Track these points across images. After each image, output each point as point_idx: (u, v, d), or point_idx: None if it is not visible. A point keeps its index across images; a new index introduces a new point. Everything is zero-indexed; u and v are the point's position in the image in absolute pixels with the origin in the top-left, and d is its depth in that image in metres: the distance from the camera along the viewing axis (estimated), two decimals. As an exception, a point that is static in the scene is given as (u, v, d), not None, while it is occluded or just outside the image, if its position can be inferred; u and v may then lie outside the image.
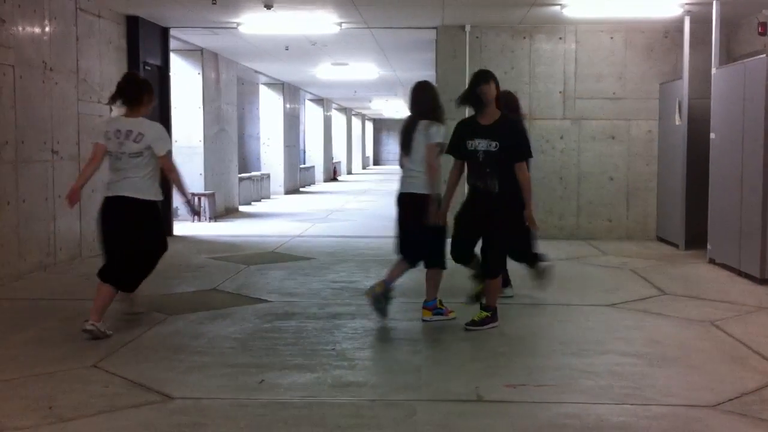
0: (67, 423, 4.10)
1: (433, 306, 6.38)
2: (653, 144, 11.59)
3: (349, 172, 36.64)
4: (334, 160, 31.72)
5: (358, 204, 18.59)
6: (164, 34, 12.04)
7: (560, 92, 11.67)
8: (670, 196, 10.94)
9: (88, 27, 9.71)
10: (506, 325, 6.31)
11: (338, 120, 34.18)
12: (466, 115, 6.49)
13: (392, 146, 51.65)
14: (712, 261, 9.27)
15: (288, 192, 22.34)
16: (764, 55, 8.03)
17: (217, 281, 8.10)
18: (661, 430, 4.06)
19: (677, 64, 11.22)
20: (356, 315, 6.63)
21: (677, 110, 10.50)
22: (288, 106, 22.43)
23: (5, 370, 5.01)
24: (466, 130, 6.04)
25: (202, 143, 14.36)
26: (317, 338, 5.88)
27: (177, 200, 13.17)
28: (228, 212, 15.84)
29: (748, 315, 6.69)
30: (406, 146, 6.28)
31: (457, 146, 6.08)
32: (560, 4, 10.10)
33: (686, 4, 9.94)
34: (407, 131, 6.28)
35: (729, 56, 11.09)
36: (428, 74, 15.28)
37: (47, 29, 8.69)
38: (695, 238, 10.15)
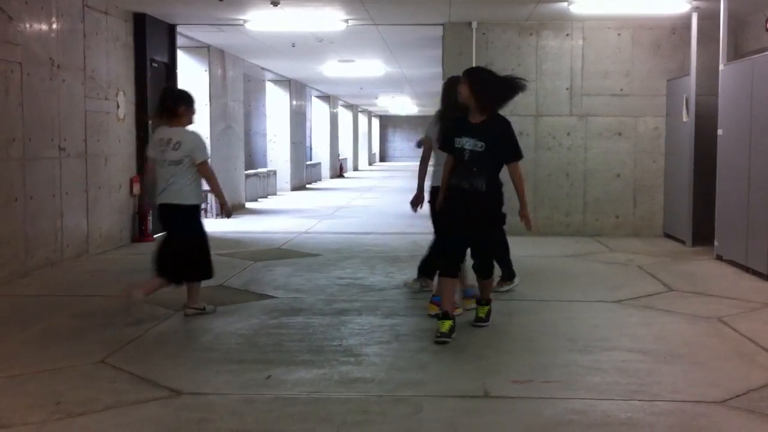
0: (74, 419, 4.11)
1: (473, 294, 6.52)
2: (660, 141, 11.57)
3: (356, 169, 36.64)
4: (340, 157, 31.72)
5: (365, 201, 18.59)
6: (171, 31, 12.06)
7: (567, 89, 11.64)
8: (677, 192, 10.91)
9: (95, 24, 9.73)
10: (513, 321, 6.32)
11: (345, 117, 34.18)
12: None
13: (398, 143, 51.67)
14: (719, 257, 9.24)
15: (294, 189, 22.35)
16: (772, 51, 8.01)
17: (224, 277, 8.11)
18: (667, 426, 4.05)
19: (685, 60, 11.19)
20: (362, 311, 6.64)
21: (684, 107, 10.47)
22: (294, 102, 22.44)
23: (12, 366, 5.03)
24: (455, 126, 5.89)
25: (208, 140, 14.33)
26: (324, 334, 5.89)
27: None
28: (234, 209, 15.80)
29: (755, 311, 6.67)
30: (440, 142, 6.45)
31: (448, 142, 5.90)
32: (567, 1, 10.07)
33: (694, 0, 9.91)
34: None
35: (737, 53, 11.05)
36: (435, 71, 15.31)
37: (54, 26, 8.71)
38: (702, 234, 10.13)
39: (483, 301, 6.15)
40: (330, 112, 28.54)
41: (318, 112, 28.30)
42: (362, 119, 41.14)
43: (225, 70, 15.43)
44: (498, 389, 4.62)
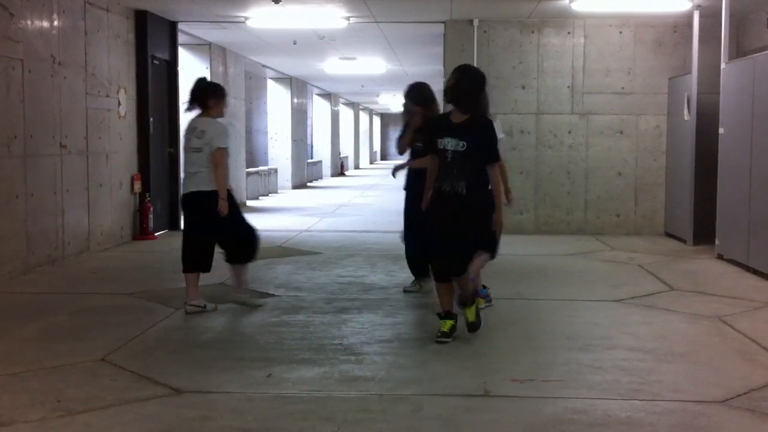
0: (75, 416, 4.11)
1: (486, 294, 6.61)
2: (662, 139, 11.56)
3: (357, 167, 36.63)
4: (341, 155, 31.71)
5: (366, 199, 18.58)
6: (172, 28, 12.05)
7: (568, 87, 11.63)
8: (678, 191, 10.91)
9: (96, 21, 9.73)
10: (513, 320, 6.31)
11: (346, 114, 34.17)
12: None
13: (400, 141, 51.53)
14: (720, 256, 9.24)
15: (295, 187, 22.35)
16: (774, 50, 8.00)
17: (225, 275, 8.10)
18: (668, 425, 4.05)
19: (686, 58, 11.18)
20: (363, 310, 6.64)
21: (686, 105, 10.46)
22: (295, 100, 22.43)
23: (13, 363, 5.04)
24: (437, 127, 5.74)
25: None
26: (324, 333, 5.89)
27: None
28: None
29: (757, 311, 6.67)
30: None
31: (431, 143, 5.72)
32: (569, -1, 10.07)
33: (695, -2, 9.91)
34: None
35: (738, 51, 11.05)
36: (436, 69, 15.29)
37: (56, 23, 8.71)
38: (703, 233, 10.12)
39: (467, 302, 5.74)
40: (331, 109, 28.53)
41: (319, 109, 28.29)
42: (363, 117, 41.13)
43: (226, 67, 15.43)
44: (498, 388, 4.62)
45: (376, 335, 5.87)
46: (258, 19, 11.53)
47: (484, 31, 11.62)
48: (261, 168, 19.98)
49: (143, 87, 11.07)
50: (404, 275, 7.95)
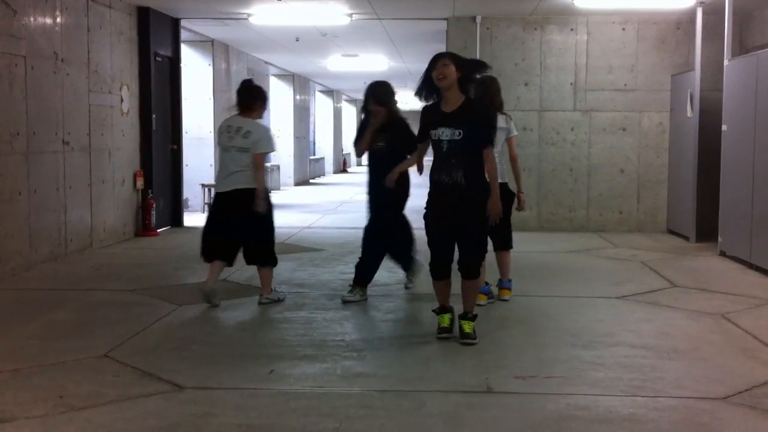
0: (77, 412, 4.12)
1: (488, 291, 6.66)
2: (664, 136, 11.55)
3: (359, 164, 36.61)
4: (343, 152, 31.71)
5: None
6: (175, 25, 12.05)
7: (571, 84, 11.62)
8: (681, 188, 10.90)
9: (99, 18, 9.73)
10: (515, 317, 6.31)
11: (348, 111, 34.16)
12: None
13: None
14: (722, 253, 9.23)
15: (298, 183, 22.35)
16: (777, 47, 7.98)
17: (227, 272, 8.10)
18: (670, 422, 4.05)
19: (689, 55, 11.17)
20: (365, 306, 6.64)
21: (689, 102, 10.45)
22: (298, 97, 22.43)
23: (16, 359, 5.04)
24: (429, 118, 5.53)
25: (212, 134, 14.35)
26: (327, 329, 5.89)
27: (187, 192, 13.24)
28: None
29: (759, 308, 6.66)
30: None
31: (423, 136, 5.59)
32: (572, -5, 10.06)
33: (699, -5, 9.90)
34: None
35: (741, 48, 11.03)
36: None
37: (59, 20, 8.71)
38: (706, 230, 10.12)
39: (468, 314, 5.57)
40: (333, 106, 28.53)
41: (322, 106, 28.29)
42: (366, 114, 41.05)
43: (229, 64, 15.43)
44: (501, 384, 4.62)
45: (378, 332, 5.87)
46: (260, 15, 11.53)
47: (487, 28, 11.61)
48: (263, 165, 19.94)
49: (146, 84, 11.07)
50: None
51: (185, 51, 13.42)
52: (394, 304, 6.71)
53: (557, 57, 11.61)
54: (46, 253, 8.45)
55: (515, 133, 6.81)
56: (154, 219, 11.02)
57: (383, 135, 6.66)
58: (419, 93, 5.58)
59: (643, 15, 11.37)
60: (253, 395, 4.40)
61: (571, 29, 11.59)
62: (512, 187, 6.73)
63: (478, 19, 11.52)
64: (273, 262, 6.77)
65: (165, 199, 11.81)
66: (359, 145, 6.86)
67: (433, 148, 5.50)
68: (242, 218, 6.48)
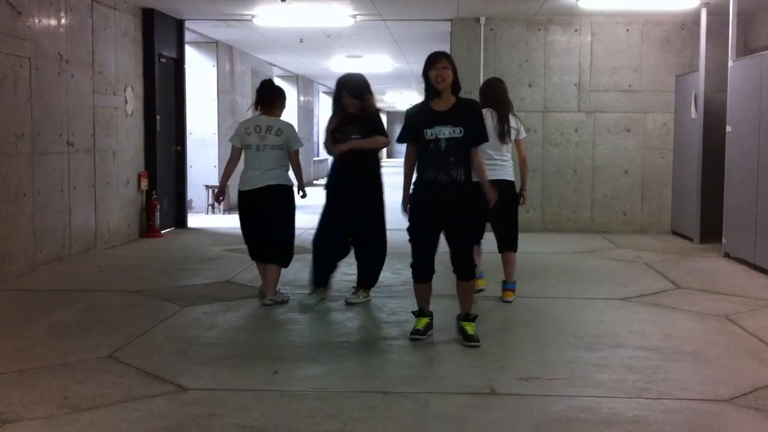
0: (81, 413, 4.12)
1: (513, 288, 6.81)
2: (669, 137, 11.53)
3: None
4: (348, 153, 31.66)
5: (372, 196, 18.50)
6: (179, 26, 12.07)
7: (575, 85, 11.62)
8: (685, 189, 10.89)
9: (103, 19, 9.74)
10: (519, 318, 6.31)
11: (352, 112, 34.11)
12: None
13: (406, 139, 51.43)
14: (727, 255, 9.22)
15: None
16: (781, 48, 7.97)
17: (231, 273, 8.13)
18: (674, 424, 4.04)
19: (693, 56, 11.15)
20: (369, 307, 6.64)
21: (693, 103, 10.44)
22: (302, 98, 22.44)
23: (20, 360, 5.05)
24: (420, 118, 5.48)
25: (216, 135, 14.40)
26: (331, 330, 5.89)
27: (191, 193, 13.25)
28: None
29: (763, 309, 6.65)
30: (504, 137, 6.68)
31: (415, 134, 5.49)
32: (576, -4, 10.06)
33: (703, -4, 9.88)
34: (504, 123, 6.70)
35: (746, 49, 11.01)
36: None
37: (63, 21, 8.73)
38: (710, 231, 10.10)
39: (469, 315, 5.58)
40: (338, 107, 28.48)
41: (325, 107, 28.28)
42: (370, 115, 41.05)
43: (233, 65, 15.44)
44: (504, 386, 4.62)
45: (382, 333, 5.87)
46: (264, 17, 11.54)
47: (491, 29, 11.60)
48: (267, 166, 19.95)
49: (150, 85, 11.09)
50: (409, 272, 7.93)
51: (189, 52, 13.44)
52: (398, 305, 6.70)
53: (561, 58, 11.60)
54: (50, 254, 8.46)
55: (524, 135, 6.94)
56: (158, 220, 11.03)
57: (357, 128, 6.72)
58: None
59: (648, 16, 11.36)
60: (257, 396, 4.40)
61: (575, 30, 11.58)
62: (518, 186, 6.83)
63: (482, 20, 11.52)
64: (286, 261, 6.85)
65: (169, 200, 11.83)
66: (336, 147, 6.92)
67: (424, 149, 5.43)
68: (269, 213, 6.66)
